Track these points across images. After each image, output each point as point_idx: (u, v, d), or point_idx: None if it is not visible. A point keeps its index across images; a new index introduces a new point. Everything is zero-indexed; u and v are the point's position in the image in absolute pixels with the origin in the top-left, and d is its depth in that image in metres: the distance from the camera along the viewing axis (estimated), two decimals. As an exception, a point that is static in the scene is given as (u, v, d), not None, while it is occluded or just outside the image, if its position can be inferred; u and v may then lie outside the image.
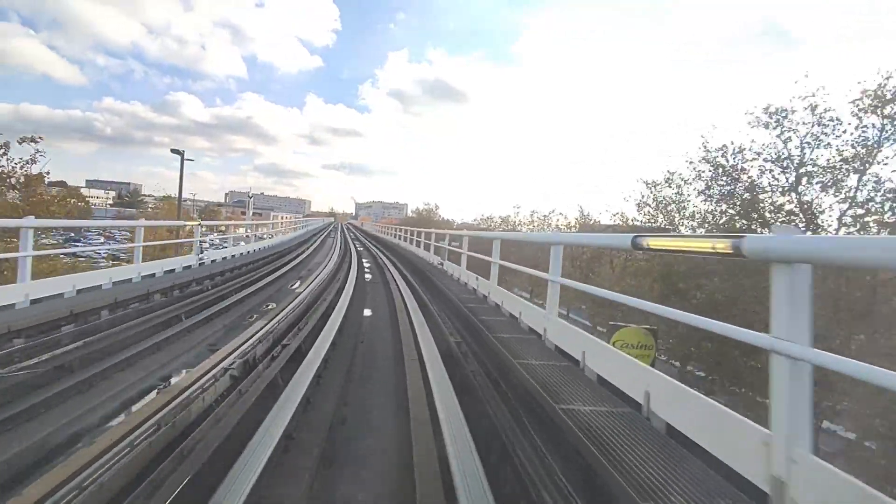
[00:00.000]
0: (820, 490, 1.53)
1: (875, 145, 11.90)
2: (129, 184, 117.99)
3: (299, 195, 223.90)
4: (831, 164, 12.53)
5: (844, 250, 1.68)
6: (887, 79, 11.57)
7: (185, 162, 23.65)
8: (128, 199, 75.34)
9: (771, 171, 13.54)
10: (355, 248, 21.96)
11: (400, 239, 22.30)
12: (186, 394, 2.98)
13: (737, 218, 14.06)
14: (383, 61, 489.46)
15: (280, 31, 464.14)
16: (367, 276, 12.03)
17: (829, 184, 12.53)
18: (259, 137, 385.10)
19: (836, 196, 12.49)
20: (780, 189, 13.48)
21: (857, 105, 11.96)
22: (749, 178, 14.00)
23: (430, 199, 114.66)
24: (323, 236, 33.22)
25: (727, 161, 14.30)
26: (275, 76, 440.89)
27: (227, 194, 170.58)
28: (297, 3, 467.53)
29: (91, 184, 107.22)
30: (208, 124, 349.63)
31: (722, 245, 2.05)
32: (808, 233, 11.10)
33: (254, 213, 41.44)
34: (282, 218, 39.43)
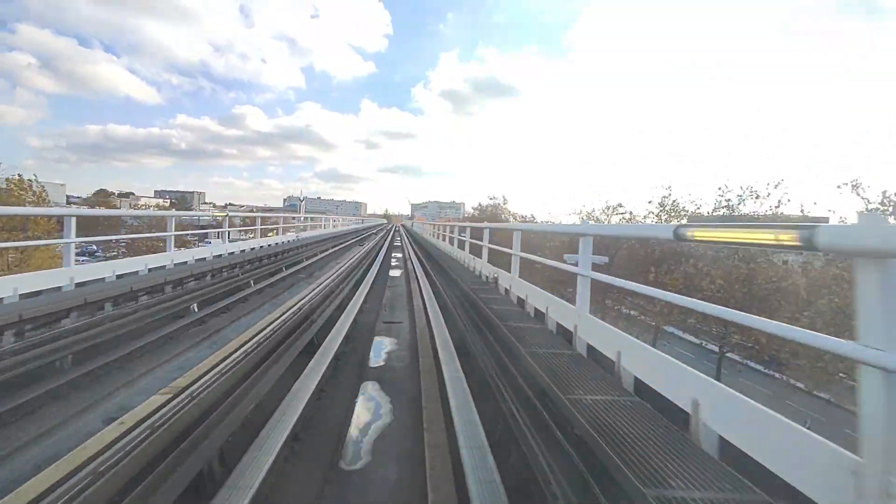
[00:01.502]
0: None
1: None
2: (192, 192, 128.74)
3: (356, 198, 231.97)
4: None
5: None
6: None
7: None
8: (175, 204, 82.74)
9: None
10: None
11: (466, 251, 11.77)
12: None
13: None
14: (434, 62, 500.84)
15: (334, 41, 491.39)
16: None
17: None
18: (318, 144, 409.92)
19: None
20: None
21: None
22: None
23: (493, 192, 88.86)
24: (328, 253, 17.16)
25: None
26: (331, 84, 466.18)
27: (285, 199, 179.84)
28: (350, 11, 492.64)
29: (159, 194, 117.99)
30: (271, 134, 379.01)
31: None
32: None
33: (306, 216, 42.69)
34: (337, 219, 39.28)
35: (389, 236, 32.21)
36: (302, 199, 35.65)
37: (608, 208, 29.68)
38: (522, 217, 50.22)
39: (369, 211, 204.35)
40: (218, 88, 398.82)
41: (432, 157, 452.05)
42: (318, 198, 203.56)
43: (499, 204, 53.55)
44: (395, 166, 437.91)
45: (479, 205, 59.35)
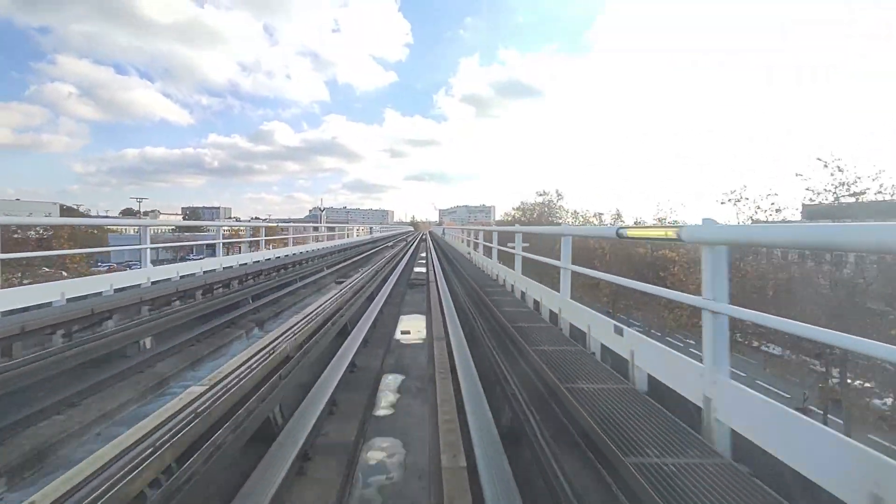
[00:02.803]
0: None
1: None
2: (218, 208, 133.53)
3: (383, 207, 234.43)
4: None
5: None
6: None
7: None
8: (187, 217, 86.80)
9: None
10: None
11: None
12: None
13: None
14: (455, 68, 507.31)
15: (356, 53, 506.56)
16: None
17: None
18: (345, 156, 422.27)
19: None
20: None
21: None
22: None
23: (545, 187, 52.81)
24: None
25: None
26: (354, 96, 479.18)
27: (310, 210, 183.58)
28: (370, 23, 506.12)
29: (186, 210, 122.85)
30: (298, 148, 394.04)
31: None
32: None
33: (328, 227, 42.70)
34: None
35: (409, 252, 20.98)
36: (322, 209, 35.81)
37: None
38: (598, 218, 36.05)
39: (396, 218, 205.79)
40: (246, 106, 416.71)
41: (458, 163, 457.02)
42: (344, 208, 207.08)
43: (551, 201, 42.35)
44: (421, 173, 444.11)
45: (522, 204, 47.81)
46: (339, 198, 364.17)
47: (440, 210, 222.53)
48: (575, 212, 39.62)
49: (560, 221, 38.56)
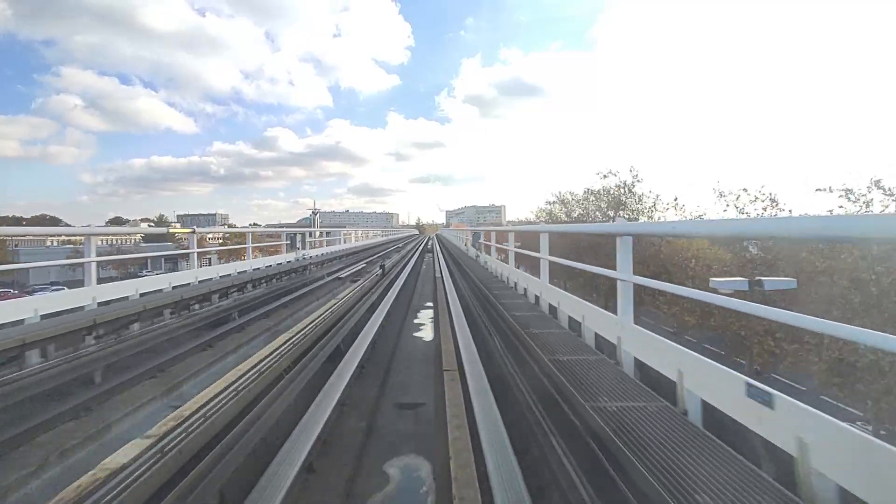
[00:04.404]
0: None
1: None
2: (214, 214, 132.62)
3: (389, 210, 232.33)
4: None
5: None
6: None
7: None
8: (153, 225, 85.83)
9: None
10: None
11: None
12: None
13: None
14: (457, 69, 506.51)
15: (358, 57, 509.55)
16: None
17: None
18: (349, 160, 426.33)
19: None
20: None
21: None
22: None
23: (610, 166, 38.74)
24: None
25: None
26: (357, 100, 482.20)
27: (310, 213, 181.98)
28: (371, 26, 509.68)
29: (181, 218, 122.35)
30: (303, 154, 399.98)
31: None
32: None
33: (326, 232, 39.57)
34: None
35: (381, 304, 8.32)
36: (316, 213, 33.27)
37: None
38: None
39: (401, 221, 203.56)
40: (250, 113, 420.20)
41: (463, 164, 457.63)
42: (347, 211, 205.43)
43: (626, 183, 27.80)
44: (426, 175, 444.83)
45: (559, 195, 34.95)
46: (344, 202, 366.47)
47: (447, 211, 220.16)
48: (675, 200, 25.44)
49: (650, 210, 26.31)
